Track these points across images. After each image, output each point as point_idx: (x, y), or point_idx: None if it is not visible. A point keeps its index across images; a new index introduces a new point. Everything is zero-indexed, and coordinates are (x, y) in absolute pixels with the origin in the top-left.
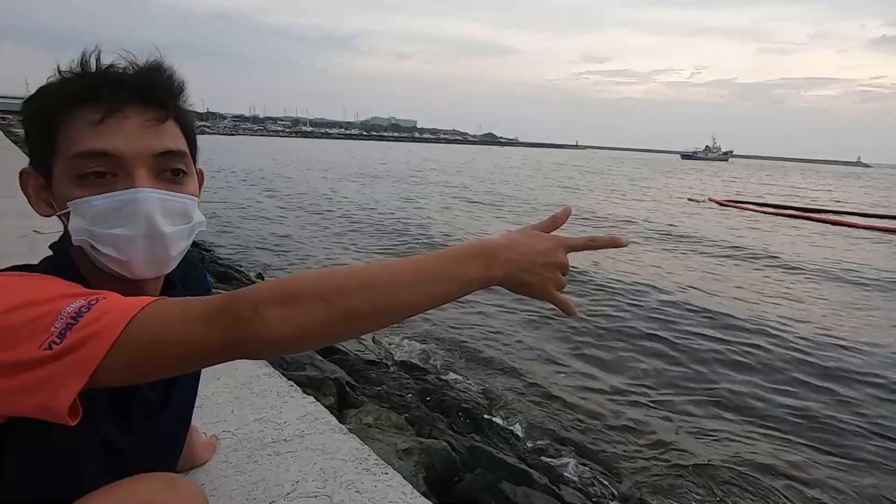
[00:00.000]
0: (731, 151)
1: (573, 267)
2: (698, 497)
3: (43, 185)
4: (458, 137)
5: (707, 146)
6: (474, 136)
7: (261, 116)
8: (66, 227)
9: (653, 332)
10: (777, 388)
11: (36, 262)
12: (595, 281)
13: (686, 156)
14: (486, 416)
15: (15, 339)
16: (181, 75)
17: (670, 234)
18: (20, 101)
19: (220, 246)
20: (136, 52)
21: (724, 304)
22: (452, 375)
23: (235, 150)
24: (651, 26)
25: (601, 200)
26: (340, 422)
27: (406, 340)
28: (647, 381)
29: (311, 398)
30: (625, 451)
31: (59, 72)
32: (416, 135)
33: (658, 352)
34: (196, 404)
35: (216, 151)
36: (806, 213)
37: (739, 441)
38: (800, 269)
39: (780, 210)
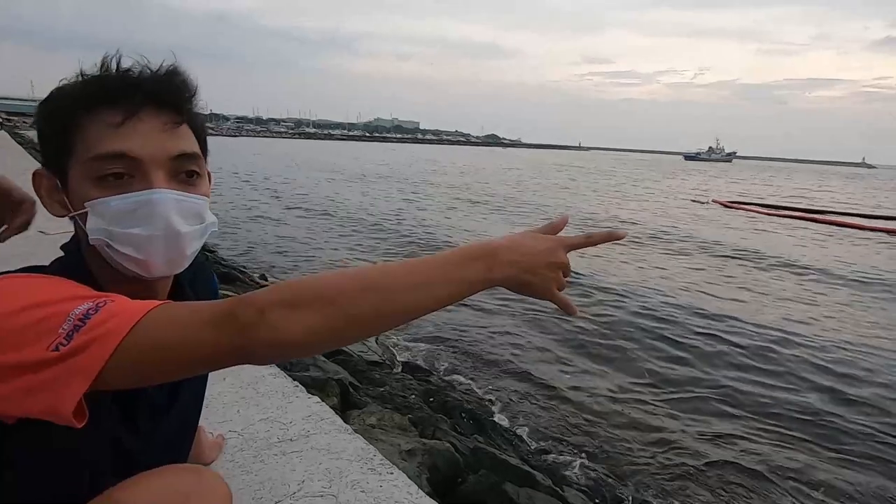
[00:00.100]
0: (735, 153)
1: (577, 270)
2: (704, 499)
3: (56, 186)
4: (460, 139)
5: (710, 147)
6: (477, 137)
7: (264, 118)
8: (77, 227)
9: (657, 332)
10: (782, 388)
11: (39, 262)
12: (599, 283)
13: (689, 157)
14: (489, 418)
15: (21, 341)
16: (194, 79)
17: (674, 236)
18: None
19: (224, 247)
20: (136, 53)
21: (729, 305)
22: (455, 376)
23: (239, 151)
24: (653, 28)
25: (604, 202)
26: (344, 422)
27: (409, 341)
28: (650, 381)
29: (317, 398)
30: (629, 451)
31: (82, 74)
32: (419, 136)
33: (662, 352)
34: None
35: (220, 153)
36: (810, 215)
37: (745, 442)
38: (804, 270)
39: (783, 211)
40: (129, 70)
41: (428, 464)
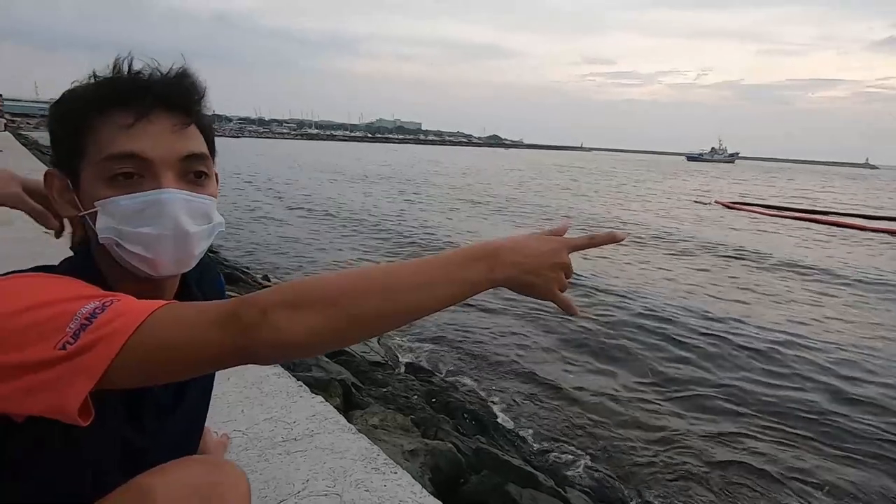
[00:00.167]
0: (738, 153)
1: (580, 271)
2: (708, 499)
3: (68, 187)
4: (462, 139)
5: (713, 148)
6: (479, 137)
7: (266, 119)
8: (87, 227)
9: (660, 333)
10: (786, 388)
11: (44, 262)
12: (602, 283)
13: (692, 157)
14: (491, 418)
15: (23, 341)
16: (203, 80)
17: (676, 237)
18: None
19: (228, 247)
20: (136, 54)
21: (732, 306)
22: (458, 377)
23: (242, 152)
24: (654, 28)
25: (607, 203)
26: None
27: (411, 342)
28: (654, 381)
29: (320, 398)
30: (632, 452)
31: (95, 76)
32: (421, 137)
33: (665, 353)
34: None
35: (223, 154)
36: (812, 216)
37: (749, 442)
38: (807, 271)
39: (786, 212)
40: (139, 72)
41: (430, 464)
